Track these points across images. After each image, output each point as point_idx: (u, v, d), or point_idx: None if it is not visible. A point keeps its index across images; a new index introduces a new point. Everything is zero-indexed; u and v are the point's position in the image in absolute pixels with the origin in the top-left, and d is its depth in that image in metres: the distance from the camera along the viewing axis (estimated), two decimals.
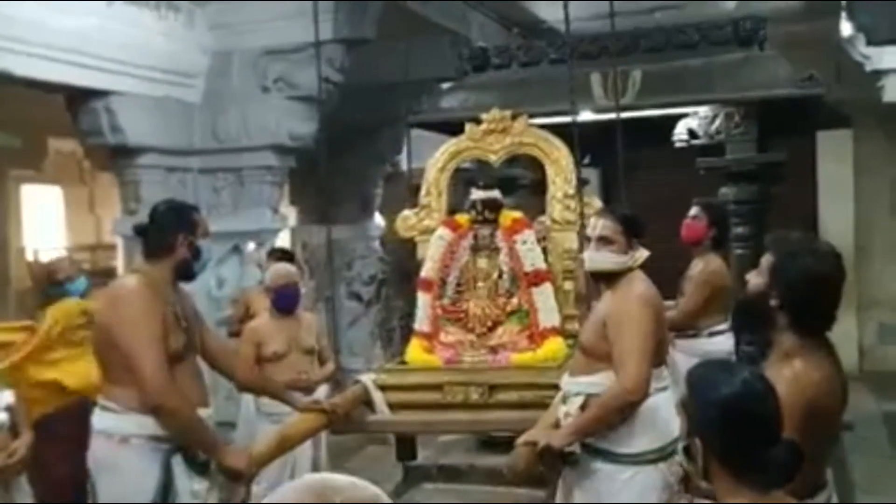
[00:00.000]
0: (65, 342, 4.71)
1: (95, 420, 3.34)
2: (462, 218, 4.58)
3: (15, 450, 3.78)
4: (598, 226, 3.50)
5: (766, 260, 2.64)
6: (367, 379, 4.25)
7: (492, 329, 4.38)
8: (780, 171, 7.07)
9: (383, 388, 4.22)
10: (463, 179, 5.21)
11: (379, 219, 9.82)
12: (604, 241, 3.45)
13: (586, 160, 8.11)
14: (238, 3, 6.94)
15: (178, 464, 3.29)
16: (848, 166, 9.77)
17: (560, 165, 4.57)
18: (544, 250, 4.43)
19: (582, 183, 7.00)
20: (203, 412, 3.40)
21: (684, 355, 4.67)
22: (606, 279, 3.51)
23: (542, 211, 4.62)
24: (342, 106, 7.44)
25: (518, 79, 7.14)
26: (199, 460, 3.36)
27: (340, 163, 8.99)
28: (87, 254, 10.62)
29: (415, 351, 4.42)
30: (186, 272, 3.49)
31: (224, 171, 7.30)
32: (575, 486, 3.46)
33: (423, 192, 4.77)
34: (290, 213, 9.25)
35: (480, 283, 4.46)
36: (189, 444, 3.32)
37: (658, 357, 3.44)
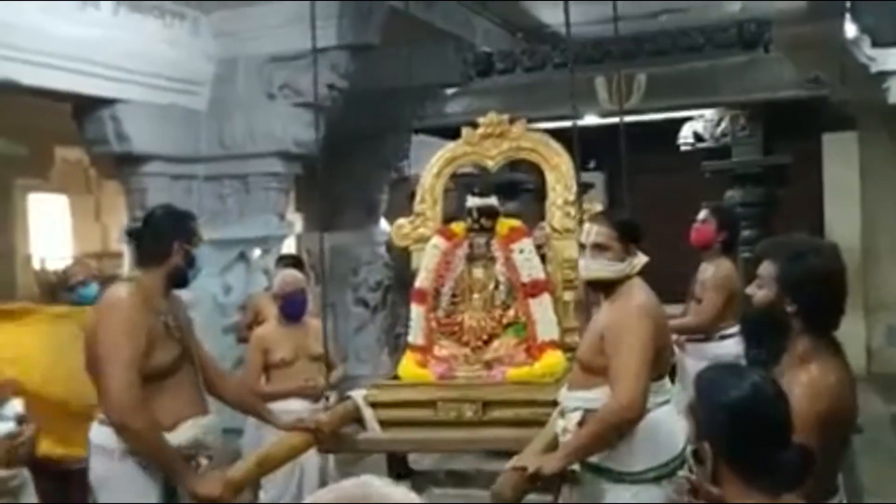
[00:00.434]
0: None
1: (93, 435, 3.27)
2: (457, 226, 4.41)
3: (21, 433, 3.70)
4: (592, 232, 3.35)
5: (767, 269, 2.59)
6: (358, 395, 4.04)
7: (487, 342, 4.17)
8: (786, 174, 7.07)
9: (374, 404, 4.02)
10: (463, 185, 5.19)
11: (384, 225, 9.83)
12: (598, 248, 3.31)
13: (591, 164, 8.14)
14: (243, 10, 6.96)
15: None
16: (854, 168, 9.75)
17: (560, 171, 4.40)
18: (543, 259, 4.26)
19: (587, 187, 7.04)
20: (203, 420, 3.33)
21: (694, 359, 4.67)
22: (603, 288, 3.37)
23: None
24: (347, 112, 7.45)
25: (522, 83, 7.15)
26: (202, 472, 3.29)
27: (345, 169, 9.01)
28: (93, 262, 10.62)
29: (408, 365, 4.22)
30: (180, 280, 3.41)
31: (230, 178, 7.31)
32: None
33: (417, 199, 4.61)
34: (297, 220, 9.27)
35: (476, 295, 4.26)
36: (156, 465, 3.19)
37: (659, 369, 3.30)
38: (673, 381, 4.85)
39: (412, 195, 4.71)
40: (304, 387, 4.92)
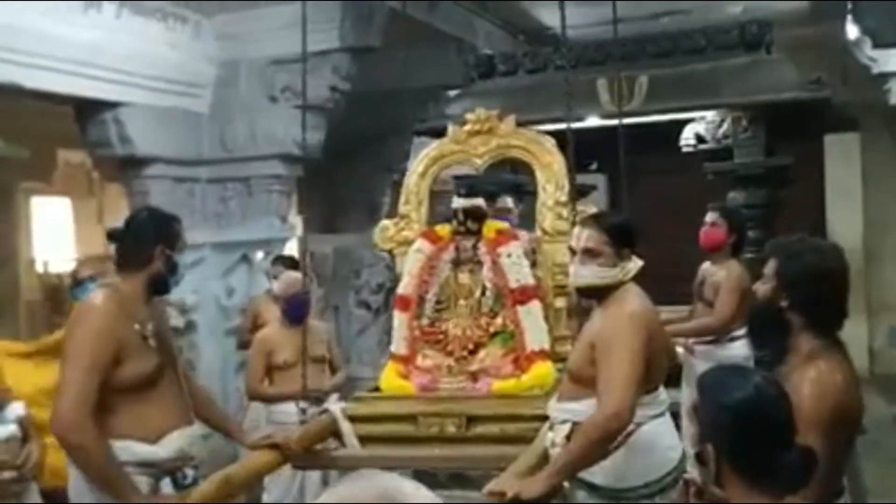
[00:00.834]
0: None
1: None
2: (442, 229, 4.17)
3: (27, 457, 3.59)
4: (583, 237, 3.18)
5: (771, 266, 2.62)
6: (336, 408, 3.82)
7: (473, 352, 3.92)
8: (788, 175, 7.07)
9: (353, 418, 3.77)
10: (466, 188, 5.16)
11: None
12: (589, 253, 3.14)
13: (593, 166, 8.14)
14: (245, 13, 6.97)
15: (166, 486, 3.13)
16: (856, 169, 9.76)
17: (551, 170, 4.16)
18: (534, 264, 4.02)
19: (588, 189, 7.05)
20: (188, 431, 3.21)
21: (704, 362, 4.65)
22: (595, 295, 3.21)
23: None
24: (349, 114, 7.46)
25: (524, 85, 7.15)
26: (188, 483, 3.18)
27: (347, 171, 9.02)
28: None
29: (389, 376, 4.00)
30: (161, 287, 3.26)
31: (232, 181, 7.32)
32: None
33: (402, 200, 4.40)
34: (298, 223, 9.27)
35: (462, 301, 4.01)
36: (98, 486, 3.01)
37: (652, 380, 3.15)
38: (678, 384, 4.86)
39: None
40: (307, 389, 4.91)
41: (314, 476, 4.81)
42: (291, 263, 6.27)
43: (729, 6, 8.52)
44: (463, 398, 3.77)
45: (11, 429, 3.72)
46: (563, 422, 3.15)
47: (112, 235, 3.29)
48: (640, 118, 6.14)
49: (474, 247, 4.06)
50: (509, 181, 6.49)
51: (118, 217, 4.02)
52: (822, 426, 2.30)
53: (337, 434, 3.74)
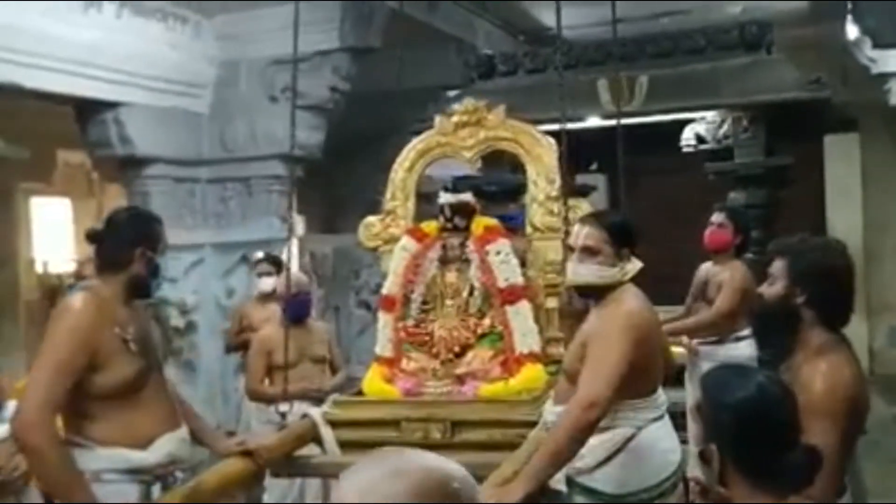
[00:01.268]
0: None
1: None
2: (428, 226, 3.99)
3: (18, 464, 3.46)
4: (582, 235, 3.09)
5: (777, 265, 2.61)
6: (316, 413, 3.67)
7: (460, 355, 3.73)
8: (788, 175, 7.09)
9: (334, 423, 3.61)
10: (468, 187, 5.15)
11: None
12: (588, 251, 3.05)
13: (593, 166, 8.15)
14: (245, 13, 6.97)
15: (157, 492, 3.04)
16: (855, 170, 9.76)
17: (542, 163, 3.98)
18: (524, 262, 3.85)
19: (588, 189, 7.05)
20: (177, 435, 3.13)
21: (708, 362, 4.65)
22: (593, 294, 3.13)
23: None
24: (349, 114, 7.46)
25: (524, 85, 7.17)
26: (178, 486, 3.09)
27: (347, 171, 9.02)
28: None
29: (373, 380, 3.80)
30: (141, 290, 3.13)
31: (232, 181, 7.31)
32: None
33: (387, 195, 4.24)
34: (299, 223, 9.27)
35: (449, 301, 3.82)
36: (51, 492, 2.93)
37: (649, 383, 3.08)
38: (678, 384, 4.85)
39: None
40: (307, 389, 4.92)
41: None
42: (275, 262, 6.26)
43: (729, 6, 8.52)
44: (448, 403, 3.59)
45: (7, 428, 3.68)
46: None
47: (91, 236, 3.16)
48: (640, 118, 6.16)
49: (462, 245, 3.89)
50: (509, 181, 6.48)
51: None
52: (836, 418, 2.32)
53: (317, 439, 3.61)
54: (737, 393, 1.96)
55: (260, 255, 6.41)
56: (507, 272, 3.76)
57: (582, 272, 3.09)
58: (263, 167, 7.22)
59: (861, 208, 9.73)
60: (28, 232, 10.07)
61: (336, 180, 9.18)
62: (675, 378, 4.50)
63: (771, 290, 2.62)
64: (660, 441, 3.09)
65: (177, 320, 7.02)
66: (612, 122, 4.88)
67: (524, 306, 3.74)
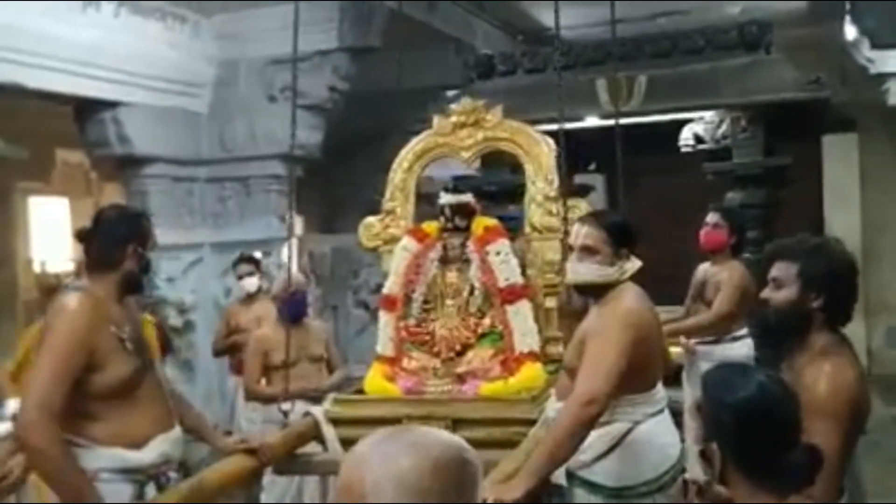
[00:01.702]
0: None
1: None
2: (429, 226, 4.03)
3: (10, 470, 3.41)
4: (581, 234, 3.13)
5: (784, 270, 2.56)
6: (318, 411, 3.72)
7: (460, 354, 3.77)
8: (787, 176, 7.08)
9: (336, 421, 3.65)
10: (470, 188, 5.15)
11: None
12: (587, 250, 3.09)
13: (592, 166, 8.15)
14: (244, 13, 6.97)
15: (151, 492, 3.04)
16: (854, 170, 9.77)
17: (540, 163, 4.00)
18: (524, 262, 3.89)
19: (586, 189, 7.05)
20: (171, 434, 3.12)
21: (705, 362, 4.65)
22: (592, 293, 3.17)
23: None
24: (348, 114, 7.46)
25: (523, 85, 7.16)
26: (171, 487, 3.10)
27: (346, 171, 9.02)
28: None
29: (374, 378, 3.84)
30: (133, 286, 3.13)
31: (231, 181, 7.32)
32: None
33: (387, 195, 4.27)
34: (298, 222, 9.27)
35: (449, 301, 3.86)
36: (56, 492, 2.89)
37: (649, 379, 3.12)
38: (676, 384, 4.85)
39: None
40: (305, 388, 4.91)
41: (312, 476, 4.78)
42: (254, 262, 6.25)
43: (728, 6, 8.53)
44: (449, 401, 3.63)
45: (7, 426, 3.66)
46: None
47: (81, 236, 3.14)
48: (638, 118, 6.17)
49: (462, 245, 3.92)
50: (509, 182, 6.49)
51: None
52: (838, 419, 2.32)
53: (319, 437, 3.64)
54: (738, 392, 1.96)
55: (239, 255, 6.37)
56: (507, 272, 3.79)
57: (581, 271, 3.13)
58: (262, 167, 7.23)
59: (859, 208, 9.73)
60: (26, 231, 10.06)
61: (335, 180, 9.19)
62: (672, 378, 4.50)
63: (781, 295, 2.57)
64: (658, 436, 3.12)
65: (175, 320, 7.02)
66: (611, 122, 4.88)
67: (524, 306, 3.78)
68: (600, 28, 6.22)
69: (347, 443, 3.52)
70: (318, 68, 6.80)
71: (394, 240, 4.11)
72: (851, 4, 7.31)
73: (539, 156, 4.04)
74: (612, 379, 2.89)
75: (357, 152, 8.93)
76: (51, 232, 10.49)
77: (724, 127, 6.96)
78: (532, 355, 3.71)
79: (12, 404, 3.80)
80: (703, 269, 5.36)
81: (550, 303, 3.94)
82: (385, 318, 3.94)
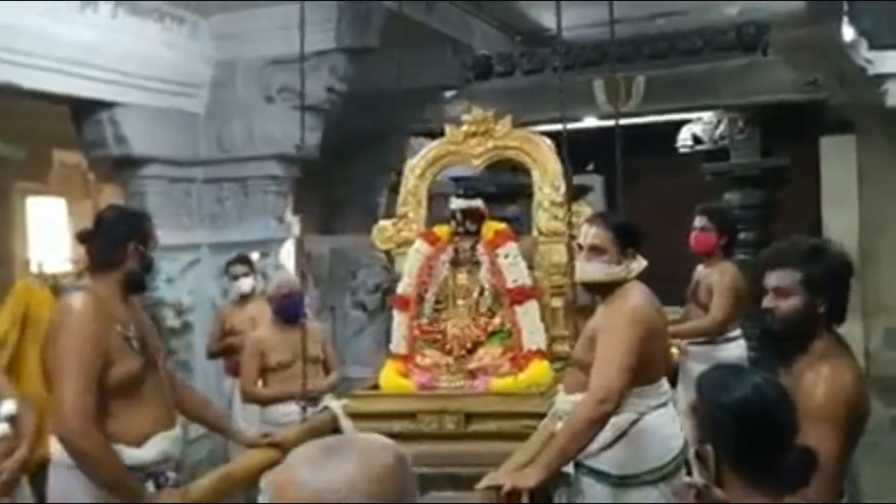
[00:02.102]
0: None
1: (53, 450, 3.01)
2: (441, 230, 4.26)
3: (2, 469, 3.41)
4: (589, 234, 3.30)
5: (786, 278, 2.54)
6: (336, 405, 3.93)
7: (471, 351, 4.02)
8: (784, 176, 7.08)
9: (353, 415, 3.86)
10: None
11: None
12: (595, 250, 3.25)
13: (590, 167, 8.15)
14: (241, 13, 6.96)
15: (149, 489, 3.04)
16: (851, 171, 9.76)
17: (547, 170, 4.24)
18: (531, 265, 4.11)
19: (584, 190, 7.04)
20: (171, 433, 3.14)
21: (698, 363, 4.65)
22: (599, 291, 3.32)
23: None
24: (346, 115, 7.45)
25: (521, 86, 7.16)
26: (171, 485, 3.12)
27: (344, 172, 9.01)
28: None
29: (389, 375, 4.09)
30: (136, 285, 3.17)
31: (229, 182, 7.31)
32: None
33: (400, 200, 4.48)
34: (295, 223, 9.27)
35: (460, 301, 4.11)
36: (109, 490, 2.94)
37: (653, 374, 3.24)
38: (674, 385, 4.86)
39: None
40: (302, 390, 4.90)
41: None
42: (247, 262, 6.24)
43: (725, 7, 8.53)
44: (461, 396, 3.85)
45: (2, 427, 3.65)
46: (569, 413, 3.23)
47: (82, 237, 3.18)
48: (636, 119, 6.17)
49: (472, 248, 4.14)
50: (509, 183, 6.49)
51: None
52: (838, 423, 2.32)
53: (337, 431, 3.78)
54: (733, 393, 1.96)
55: (234, 256, 6.37)
56: (516, 274, 4.03)
57: (589, 270, 3.29)
58: (260, 167, 7.22)
59: (857, 210, 9.72)
60: (24, 232, 10.03)
61: (333, 181, 9.18)
62: (672, 378, 4.50)
63: (788, 304, 2.54)
64: (662, 427, 3.24)
65: (173, 321, 7.01)
66: (609, 123, 4.94)
67: (532, 306, 4.02)
68: (598, 29, 6.21)
69: None
70: (315, 69, 6.79)
71: (406, 243, 4.33)
72: (849, 5, 7.30)
73: (546, 163, 4.27)
74: (624, 375, 3.04)
75: (355, 153, 8.92)
76: (48, 233, 10.47)
77: (721, 128, 6.97)
78: (539, 353, 3.95)
79: (8, 405, 3.78)
80: (698, 270, 5.36)
81: (557, 303, 4.16)
82: (399, 318, 4.18)
